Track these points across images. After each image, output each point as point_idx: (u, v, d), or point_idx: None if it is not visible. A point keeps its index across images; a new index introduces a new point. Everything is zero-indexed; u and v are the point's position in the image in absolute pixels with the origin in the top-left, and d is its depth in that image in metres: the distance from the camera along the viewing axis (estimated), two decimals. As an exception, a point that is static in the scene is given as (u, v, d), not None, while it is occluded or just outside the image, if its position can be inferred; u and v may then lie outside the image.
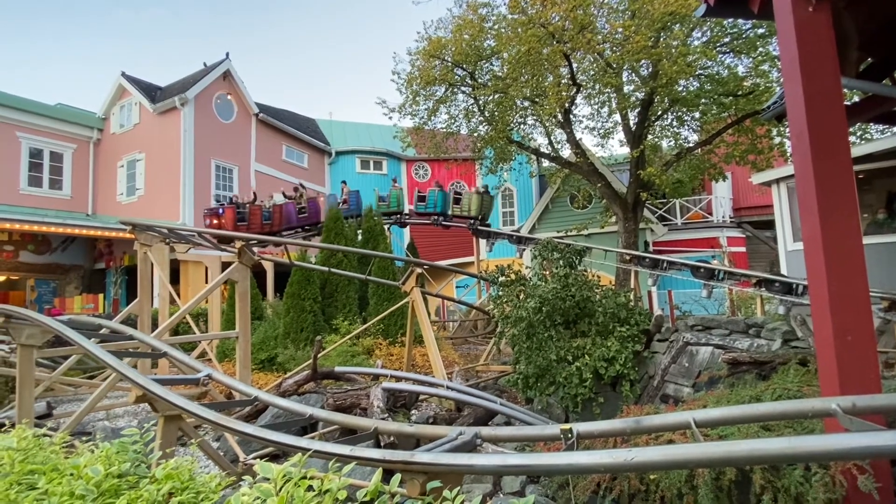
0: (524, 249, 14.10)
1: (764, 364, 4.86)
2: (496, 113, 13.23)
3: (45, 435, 2.71)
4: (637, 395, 6.01)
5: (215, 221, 13.82)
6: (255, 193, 16.06)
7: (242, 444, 5.65)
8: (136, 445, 2.30)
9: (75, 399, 9.06)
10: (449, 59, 12.97)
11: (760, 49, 10.93)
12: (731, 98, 11.32)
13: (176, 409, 3.76)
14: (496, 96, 12.81)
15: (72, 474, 2.03)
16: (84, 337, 4.90)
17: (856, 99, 6.61)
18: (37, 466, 2.18)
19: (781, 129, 11.29)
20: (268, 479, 1.66)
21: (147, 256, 8.57)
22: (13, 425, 2.88)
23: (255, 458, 5.17)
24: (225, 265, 10.93)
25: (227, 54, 18.39)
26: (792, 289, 8.05)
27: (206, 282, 14.54)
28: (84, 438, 3.02)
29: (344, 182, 16.68)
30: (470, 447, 2.82)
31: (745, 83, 11.29)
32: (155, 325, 9.44)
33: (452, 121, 14.38)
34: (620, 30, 10.74)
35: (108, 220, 15.41)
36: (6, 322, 5.53)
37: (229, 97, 18.61)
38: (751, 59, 11.22)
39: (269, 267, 15.33)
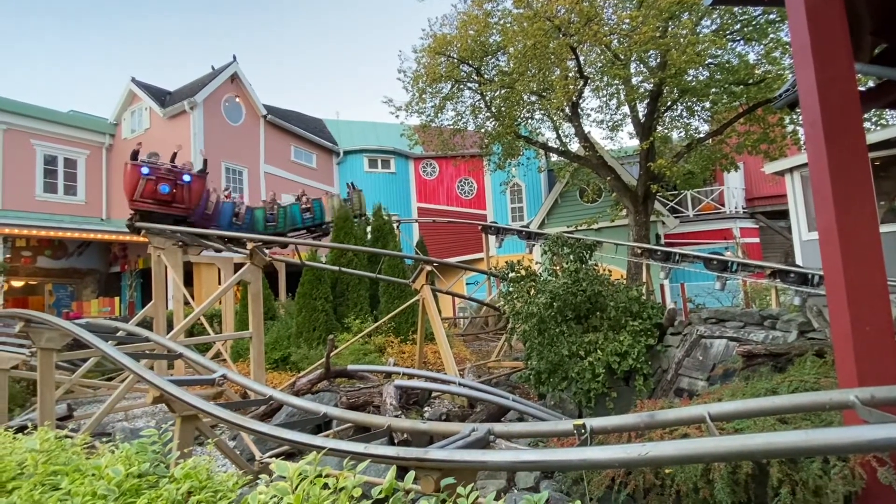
0: (534, 245, 14.04)
1: (780, 356, 4.80)
2: (503, 108, 13.16)
3: (66, 436, 2.76)
4: (651, 390, 5.97)
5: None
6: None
7: (258, 442, 5.72)
8: (155, 446, 2.34)
9: (95, 401, 9.21)
10: (455, 56, 12.93)
11: (772, 36, 10.73)
12: (742, 87, 11.13)
13: (192, 409, 3.80)
14: (503, 91, 12.73)
15: (93, 475, 2.07)
16: (102, 340, 4.99)
17: (870, 84, 6.47)
18: (59, 467, 2.23)
19: (794, 117, 11.10)
20: (284, 478, 1.68)
21: (161, 259, 8.70)
22: (35, 427, 2.95)
23: (270, 457, 5.22)
24: (237, 267, 11.03)
25: (234, 57, 18.54)
26: (807, 279, 7.92)
27: (219, 283, 14.68)
28: (104, 439, 3.09)
29: (350, 183, 16.68)
30: (483, 443, 2.82)
31: (756, 71, 11.09)
32: (170, 326, 9.58)
33: (459, 117, 14.34)
34: (627, 20, 10.61)
35: (122, 224, 15.61)
36: (26, 326, 5.64)
37: (237, 99, 18.75)
38: (762, 47, 11.02)
39: (280, 267, 15.45)
